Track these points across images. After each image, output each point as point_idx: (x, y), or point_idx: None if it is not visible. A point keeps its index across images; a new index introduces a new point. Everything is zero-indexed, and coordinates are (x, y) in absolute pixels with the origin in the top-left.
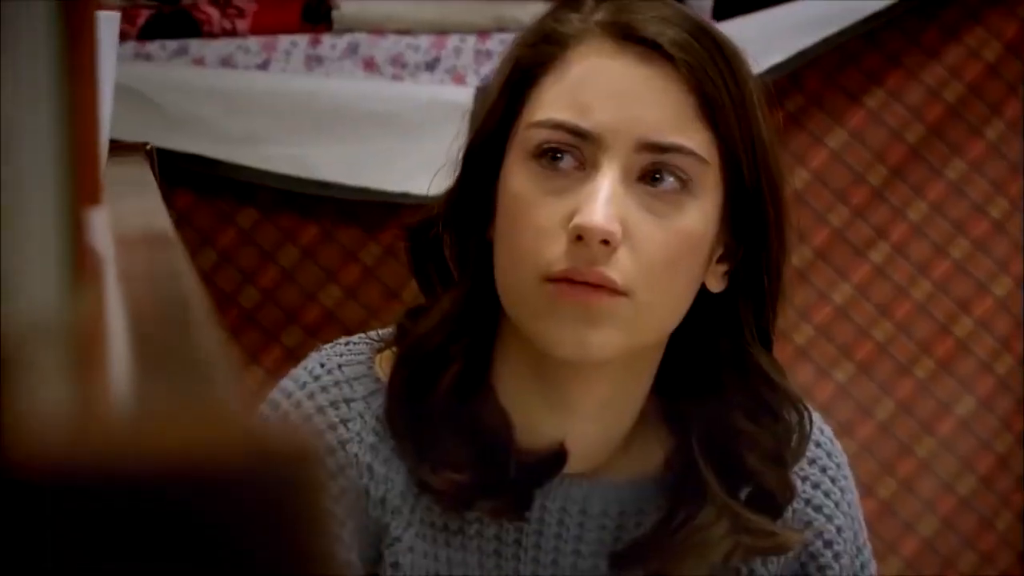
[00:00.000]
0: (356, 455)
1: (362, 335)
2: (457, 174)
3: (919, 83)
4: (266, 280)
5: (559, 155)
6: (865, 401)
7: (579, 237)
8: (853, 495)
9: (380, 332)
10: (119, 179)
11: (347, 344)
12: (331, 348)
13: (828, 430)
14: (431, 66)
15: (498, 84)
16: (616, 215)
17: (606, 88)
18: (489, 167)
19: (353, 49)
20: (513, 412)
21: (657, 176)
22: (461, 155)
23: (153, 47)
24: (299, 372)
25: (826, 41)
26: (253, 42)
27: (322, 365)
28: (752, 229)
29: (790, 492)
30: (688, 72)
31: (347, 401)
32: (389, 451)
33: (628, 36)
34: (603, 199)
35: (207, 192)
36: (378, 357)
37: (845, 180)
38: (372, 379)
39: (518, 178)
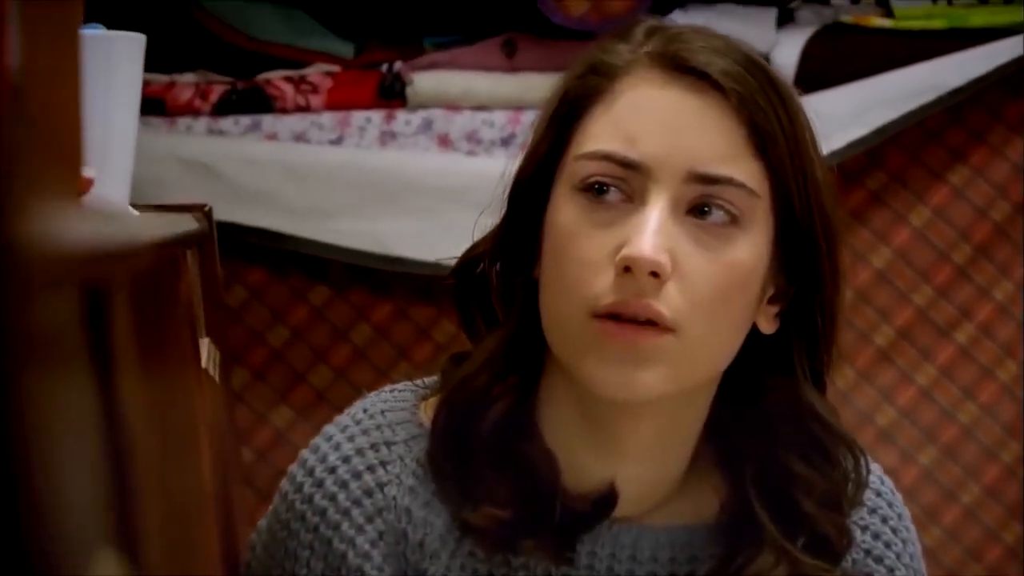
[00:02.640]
0: (395, 498)
1: (407, 382)
2: (504, 209)
3: (1004, 160)
4: (338, 359)
5: (606, 188)
6: (950, 485)
7: (627, 268)
8: (916, 548)
9: (426, 380)
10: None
11: (392, 391)
12: (376, 395)
13: (889, 481)
14: (506, 142)
15: (545, 117)
16: (665, 247)
17: (655, 118)
18: (536, 201)
19: (427, 125)
20: (560, 454)
21: (706, 209)
22: (507, 190)
23: (226, 123)
24: (342, 417)
25: (908, 116)
26: (327, 118)
27: (365, 410)
28: (804, 267)
29: (848, 539)
30: (739, 103)
31: (388, 444)
32: (429, 494)
33: (678, 66)
34: (652, 230)
35: (279, 269)
36: (422, 404)
37: (928, 259)
38: (415, 424)
39: (565, 211)
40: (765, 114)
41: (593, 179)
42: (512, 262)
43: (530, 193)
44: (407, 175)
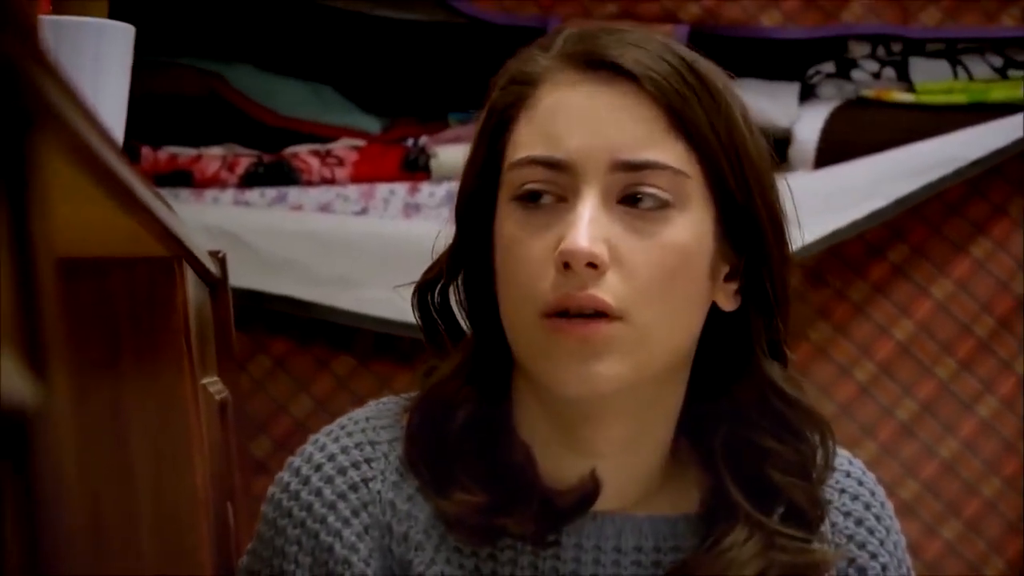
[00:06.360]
0: (379, 492)
1: (391, 396)
2: (454, 229)
3: None
4: None
5: (538, 194)
6: (975, 560)
7: (566, 264)
8: (900, 538)
9: (410, 394)
10: None
11: (377, 404)
12: (361, 408)
13: (871, 474)
14: None
15: (476, 132)
16: (600, 237)
17: (574, 116)
18: (482, 215)
19: (451, 197)
20: (537, 453)
21: (637, 196)
22: (453, 208)
23: (252, 195)
24: (329, 426)
25: (928, 187)
26: (352, 190)
27: (350, 418)
28: (749, 241)
29: (821, 510)
30: (654, 88)
31: (372, 443)
32: (413, 490)
33: (590, 62)
34: (584, 223)
35: (303, 339)
36: (405, 415)
37: (951, 332)
38: (398, 428)
39: (506, 222)
40: (682, 97)
41: (525, 188)
42: (470, 276)
43: (474, 207)
44: (431, 245)
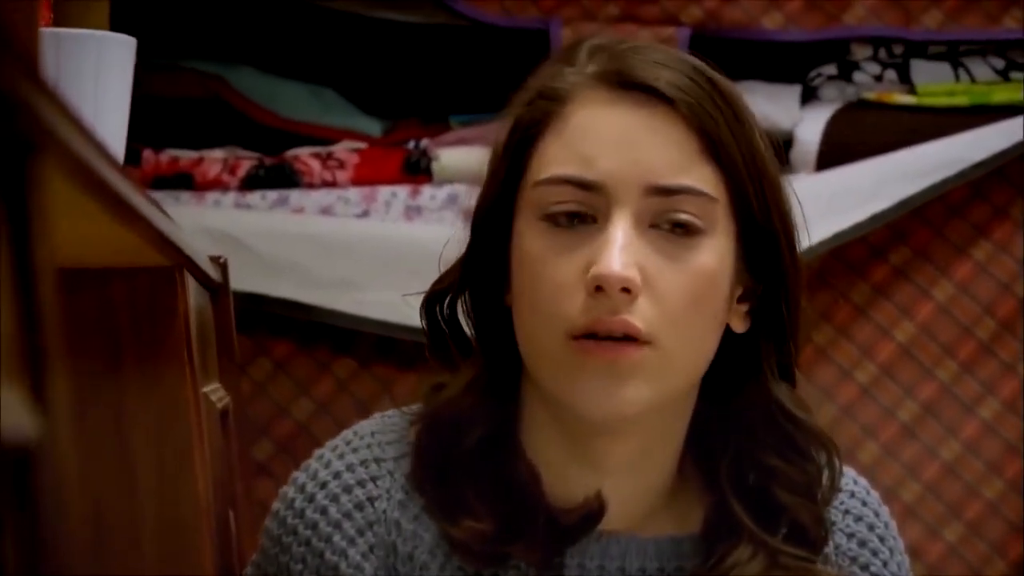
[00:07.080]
0: (384, 511)
1: (395, 409)
2: (468, 241)
3: None
4: None
5: (569, 216)
6: (976, 562)
7: (598, 288)
8: (904, 559)
9: (414, 407)
10: None
11: (382, 417)
12: (366, 421)
13: (875, 494)
14: None
15: (499, 146)
16: (632, 261)
17: (607, 137)
18: (499, 229)
19: (452, 199)
20: (543, 471)
21: (670, 221)
22: (469, 221)
23: (253, 197)
24: (333, 441)
25: (930, 189)
26: (353, 193)
27: (355, 433)
28: (767, 263)
29: (825, 530)
30: (688, 111)
31: (377, 460)
32: (419, 509)
33: (623, 83)
34: (618, 247)
35: (305, 342)
36: (411, 428)
37: (953, 334)
38: (404, 444)
39: (530, 239)
40: (714, 120)
41: (556, 209)
42: (481, 290)
43: (493, 222)
44: (432, 248)
